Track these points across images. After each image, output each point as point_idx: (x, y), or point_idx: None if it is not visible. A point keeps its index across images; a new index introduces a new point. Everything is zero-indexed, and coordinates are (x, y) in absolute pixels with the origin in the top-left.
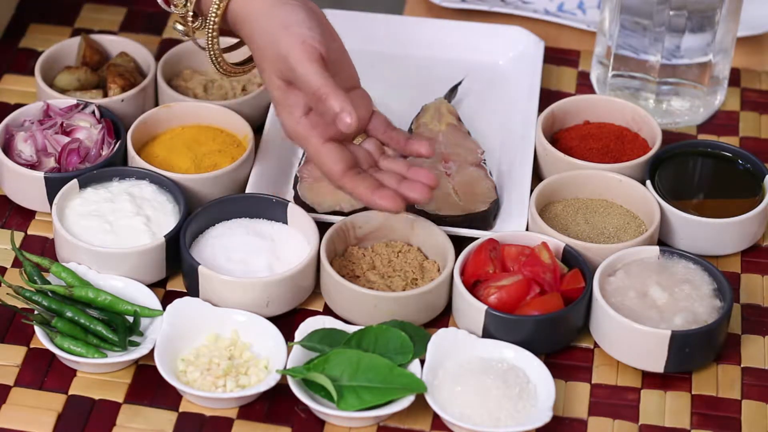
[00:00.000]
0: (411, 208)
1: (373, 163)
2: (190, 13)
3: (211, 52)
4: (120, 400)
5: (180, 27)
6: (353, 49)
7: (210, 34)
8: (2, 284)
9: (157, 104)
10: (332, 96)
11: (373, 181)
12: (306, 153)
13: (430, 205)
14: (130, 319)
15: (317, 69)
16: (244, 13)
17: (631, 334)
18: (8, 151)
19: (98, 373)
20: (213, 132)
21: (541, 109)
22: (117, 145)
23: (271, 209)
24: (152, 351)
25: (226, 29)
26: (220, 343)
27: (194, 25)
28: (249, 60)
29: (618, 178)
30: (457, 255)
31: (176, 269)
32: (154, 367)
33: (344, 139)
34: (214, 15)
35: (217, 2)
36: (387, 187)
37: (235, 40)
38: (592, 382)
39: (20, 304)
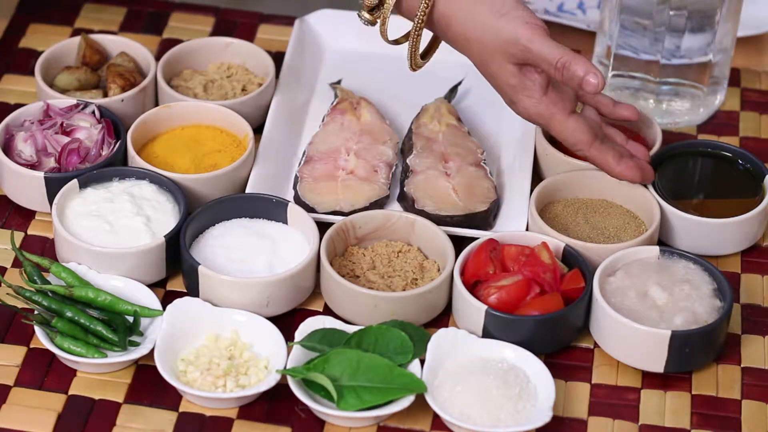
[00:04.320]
0: (411, 208)
1: (602, 131)
2: (390, 14)
3: (413, 50)
4: (120, 400)
5: (367, 16)
6: (353, 50)
7: (415, 33)
8: (2, 284)
9: (157, 104)
10: (574, 62)
11: (616, 152)
12: (550, 130)
13: (430, 205)
14: (130, 319)
15: (550, 42)
16: (451, 12)
17: (631, 334)
18: (8, 151)
19: (98, 373)
20: (213, 132)
21: None
22: (117, 145)
23: (271, 209)
24: (152, 351)
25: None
26: (220, 343)
27: (376, 16)
28: (427, 52)
29: None
30: (457, 255)
31: (176, 269)
32: (154, 367)
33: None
34: (422, 14)
35: (425, 3)
36: (627, 158)
37: None
38: (592, 382)
39: (20, 304)
